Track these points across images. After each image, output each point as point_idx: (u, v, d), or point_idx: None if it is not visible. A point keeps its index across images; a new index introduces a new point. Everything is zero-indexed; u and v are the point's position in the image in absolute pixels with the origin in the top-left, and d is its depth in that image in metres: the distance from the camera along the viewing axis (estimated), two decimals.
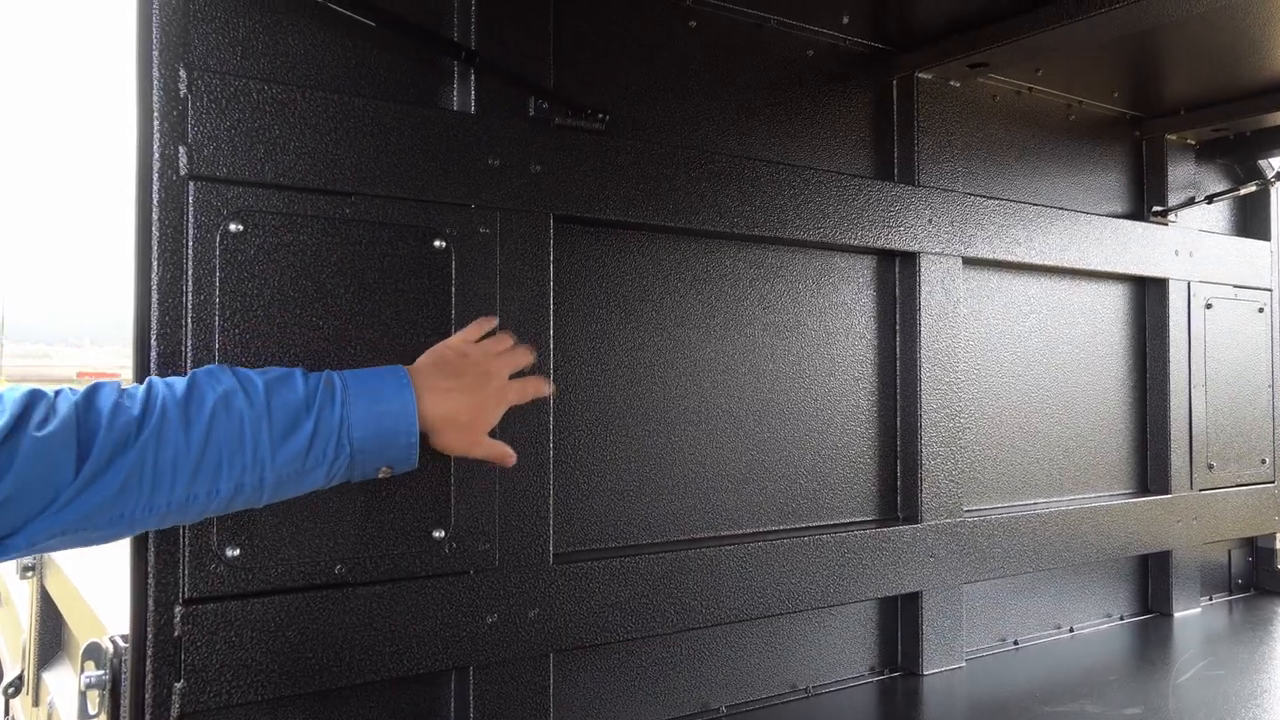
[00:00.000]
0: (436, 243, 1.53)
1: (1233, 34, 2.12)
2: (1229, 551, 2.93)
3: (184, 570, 1.32)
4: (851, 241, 2.05)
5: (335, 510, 1.44)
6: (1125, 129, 2.71)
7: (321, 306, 1.44)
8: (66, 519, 1.05)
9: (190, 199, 1.33)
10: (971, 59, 2.09)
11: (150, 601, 1.30)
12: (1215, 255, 2.80)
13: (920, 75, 2.18)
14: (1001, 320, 2.40)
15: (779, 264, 2.03)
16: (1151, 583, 2.70)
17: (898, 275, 2.19)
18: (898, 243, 2.12)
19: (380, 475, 1.29)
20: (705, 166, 1.84)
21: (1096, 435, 2.60)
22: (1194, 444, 2.72)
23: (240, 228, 1.37)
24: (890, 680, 2.15)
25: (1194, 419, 2.72)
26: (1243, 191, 2.87)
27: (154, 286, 1.31)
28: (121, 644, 1.36)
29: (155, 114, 1.31)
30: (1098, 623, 2.58)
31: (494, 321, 1.52)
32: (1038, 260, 2.38)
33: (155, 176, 1.31)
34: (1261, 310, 2.95)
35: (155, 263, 1.31)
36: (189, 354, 1.33)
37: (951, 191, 2.21)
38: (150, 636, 1.30)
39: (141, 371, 1.31)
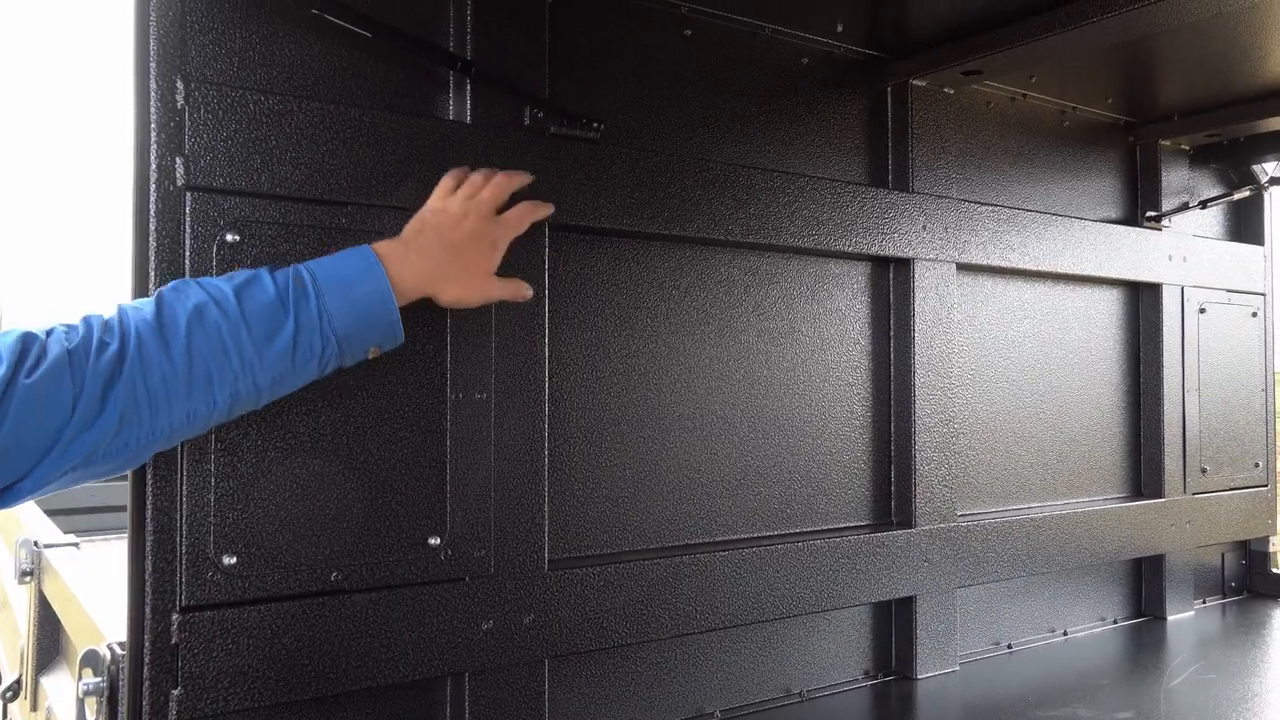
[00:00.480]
0: None
1: (1225, 41, 2.13)
2: (1222, 555, 2.95)
3: (181, 578, 1.33)
4: (846, 248, 2.06)
5: (332, 518, 1.45)
6: (1119, 135, 2.72)
7: None
8: (73, 457, 1.07)
9: (187, 209, 1.34)
10: (965, 66, 2.10)
11: (147, 609, 1.31)
12: (1209, 260, 2.81)
13: (914, 82, 2.19)
14: (996, 326, 2.41)
15: (774, 270, 2.04)
16: (1145, 586, 2.71)
17: (892, 281, 2.20)
18: (892, 249, 2.13)
19: (370, 356, 1.33)
20: (700, 174, 1.85)
21: (1090, 439, 2.61)
22: (1187, 448, 2.73)
23: (237, 238, 1.37)
24: (884, 684, 2.16)
25: (1187, 423, 2.73)
26: (1236, 196, 2.89)
27: None
28: (119, 651, 1.37)
29: (153, 125, 1.32)
30: (1091, 626, 2.59)
31: (465, 171, 1.51)
32: (1032, 266, 2.39)
33: (153, 187, 1.32)
34: (1255, 315, 2.96)
35: (153, 273, 1.32)
36: None
37: (946, 198, 2.23)
38: (147, 644, 1.31)
39: None
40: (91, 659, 1.43)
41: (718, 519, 1.95)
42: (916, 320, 2.17)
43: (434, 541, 1.53)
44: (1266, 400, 3.00)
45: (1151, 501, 2.65)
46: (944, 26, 2.05)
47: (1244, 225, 3.02)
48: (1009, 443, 2.43)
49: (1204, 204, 2.80)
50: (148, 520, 1.31)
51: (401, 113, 1.54)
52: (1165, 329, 2.69)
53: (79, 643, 1.83)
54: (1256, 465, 2.96)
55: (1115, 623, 2.64)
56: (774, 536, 2.01)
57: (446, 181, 1.49)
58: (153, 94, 1.33)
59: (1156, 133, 2.71)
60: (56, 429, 1.04)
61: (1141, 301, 2.72)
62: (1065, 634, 2.52)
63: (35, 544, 2.43)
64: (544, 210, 1.57)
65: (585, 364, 1.80)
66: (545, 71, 1.69)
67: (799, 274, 2.08)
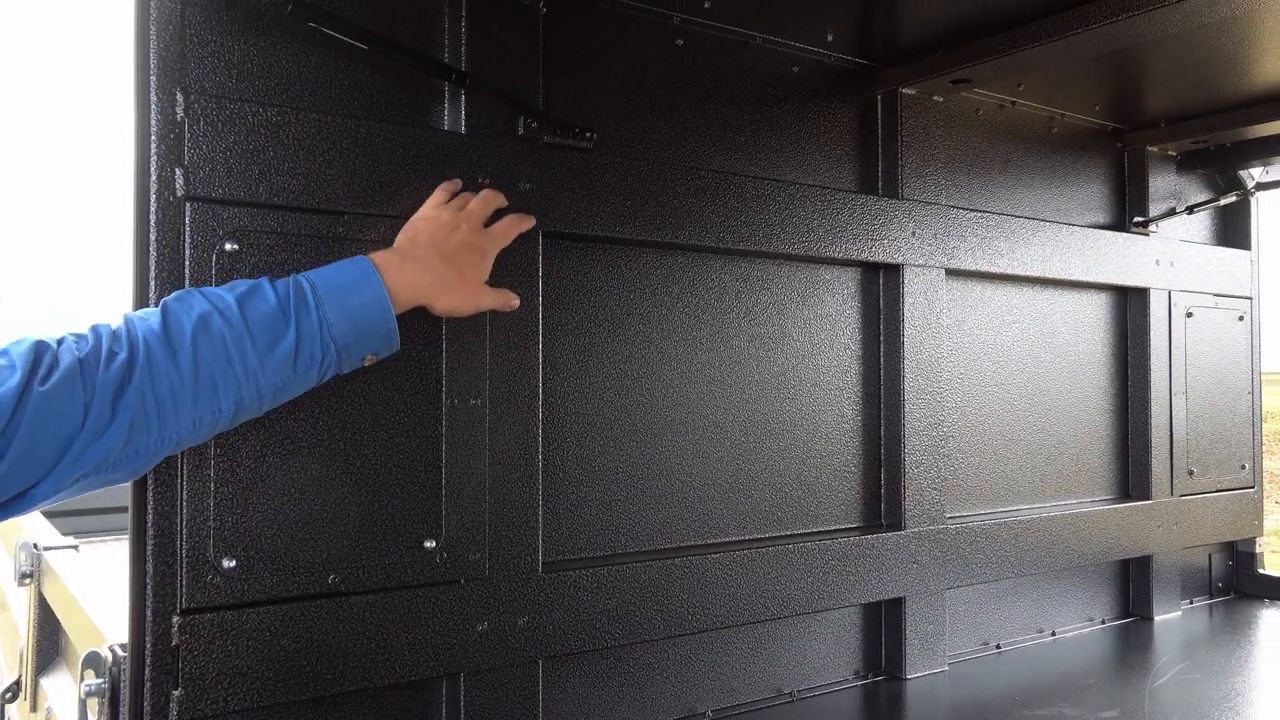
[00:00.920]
0: None
1: (1211, 50, 2.16)
2: (1209, 556, 2.98)
3: (181, 581, 1.35)
4: (836, 254, 2.09)
5: (329, 522, 1.48)
6: (1107, 141, 2.75)
7: None
8: (85, 465, 1.09)
9: (187, 219, 1.36)
10: (954, 75, 2.13)
11: (148, 612, 1.33)
12: (1196, 265, 2.84)
13: (904, 91, 2.22)
14: (984, 330, 2.44)
15: (764, 277, 2.07)
16: (1132, 587, 2.74)
17: (882, 287, 2.23)
18: (882, 255, 2.16)
19: (366, 364, 1.36)
20: (692, 182, 1.88)
21: (1078, 442, 2.64)
22: (1174, 450, 2.76)
23: (236, 247, 1.40)
24: (874, 684, 2.19)
25: (1175, 426, 2.77)
26: (1223, 202, 2.92)
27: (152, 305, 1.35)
28: (120, 653, 1.40)
29: (153, 137, 1.35)
30: (1079, 626, 2.62)
31: (458, 183, 1.56)
32: (1020, 271, 2.42)
33: (153, 198, 1.34)
34: (1241, 318, 3.00)
35: (153, 282, 1.34)
36: None
37: (935, 204, 2.25)
38: (148, 646, 1.33)
39: None
40: (93, 660, 1.46)
41: (710, 522, 1.98)
42: (906, 325, 2.20)
43: (429, 544, 1.56)
44: (1253, 403, 3.03)
45: (1139, 503, 2.68)
46: (933, 36, 2.08)
47: (1230, 230, 3.06)
48: (998, 446, 2.46)
49: (1191, 209, 2.83)
50: (149, 525, 1.33)
51: (397, 123, 1.56)
52: (1153, 333, 2.72)
53: (79, 644, 1.85)
54: (1243, 467, 2.99)
55: (1103, 623, 2.67)
56: (765, 539, 2.04)
57: (439, 193, 1.52)
58: (153, 106, 1.35)
59: (1144, 139, 2.74)
60: (69, 436, 1.07)
61: (1129, 306, 2.75)
62: (1053, 634, 2.56)
63: (35, 546, 2.45)
64: (528, 223, 1.62)
65: (579, 369, 1.82)
66: (539, 82, 1.71)
67: (790, 280, 2.11)
